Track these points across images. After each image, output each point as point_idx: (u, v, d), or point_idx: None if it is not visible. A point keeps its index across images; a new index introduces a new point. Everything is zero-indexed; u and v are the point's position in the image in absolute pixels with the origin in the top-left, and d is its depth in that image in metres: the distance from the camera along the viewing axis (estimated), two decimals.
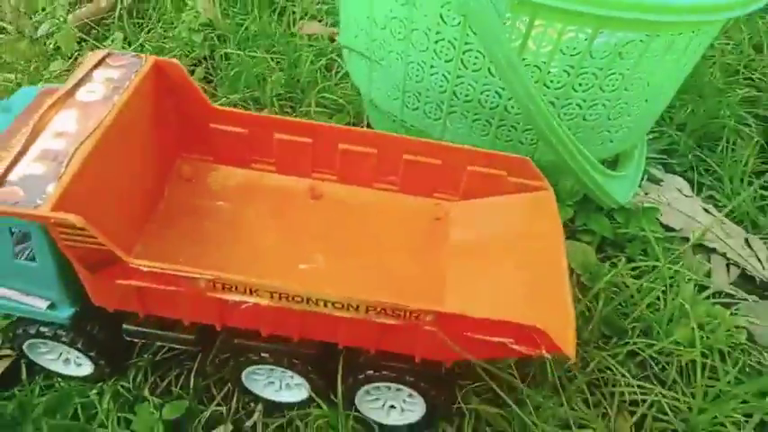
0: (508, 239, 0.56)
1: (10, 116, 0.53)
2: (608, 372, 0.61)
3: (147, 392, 0.57)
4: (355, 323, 0.45)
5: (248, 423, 0.57)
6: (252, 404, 0.58)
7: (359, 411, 0.55)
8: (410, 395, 0.53)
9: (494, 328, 0.44)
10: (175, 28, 1.03)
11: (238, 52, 0.95)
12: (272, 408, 0.58)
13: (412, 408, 0.55)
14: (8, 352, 0.60)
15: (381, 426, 0.56)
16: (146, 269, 0.44)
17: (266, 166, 0.62)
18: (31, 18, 0.96)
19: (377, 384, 0.53)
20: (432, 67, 0.66)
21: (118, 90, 0.51)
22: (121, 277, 0.45)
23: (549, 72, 0.61)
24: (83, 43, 0.96)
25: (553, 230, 0.54)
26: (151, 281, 0.45)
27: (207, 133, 0.60)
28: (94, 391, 0.57)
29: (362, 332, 0.47)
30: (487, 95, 0.64)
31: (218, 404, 0.57)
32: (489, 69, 0.62)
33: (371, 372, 0.51)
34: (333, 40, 1.05)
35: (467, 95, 0.65)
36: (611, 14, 0.54)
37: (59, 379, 0.58)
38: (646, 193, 0.82)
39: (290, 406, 0.57)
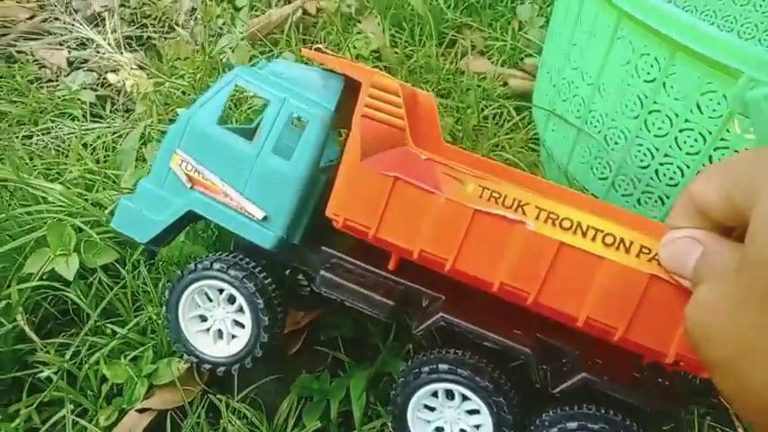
0: None
1: None
2: None
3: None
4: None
5: None
6: None
7: None
8: None
9: None
10: (342, 50, 0.99)
11: None
12: None
13: None
14: (150, 405, 0.56)
15: None
16: (424, 157, 0.43)
17: None
18: (205, 26, 0.94)
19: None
20: (666, 156, 0.55)
21: None
22: (388, 167, 0.43)
23: None
24: (252, 58, 0.92)
25: None
26: (413, 173, 0.43)
27: None
28: None
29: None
30: None
31: None
32: None
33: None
34: (505, 84, 0.97)
35: None
36: None
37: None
38: None
39: None
